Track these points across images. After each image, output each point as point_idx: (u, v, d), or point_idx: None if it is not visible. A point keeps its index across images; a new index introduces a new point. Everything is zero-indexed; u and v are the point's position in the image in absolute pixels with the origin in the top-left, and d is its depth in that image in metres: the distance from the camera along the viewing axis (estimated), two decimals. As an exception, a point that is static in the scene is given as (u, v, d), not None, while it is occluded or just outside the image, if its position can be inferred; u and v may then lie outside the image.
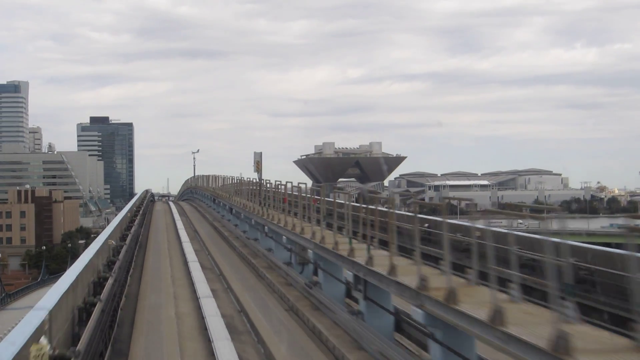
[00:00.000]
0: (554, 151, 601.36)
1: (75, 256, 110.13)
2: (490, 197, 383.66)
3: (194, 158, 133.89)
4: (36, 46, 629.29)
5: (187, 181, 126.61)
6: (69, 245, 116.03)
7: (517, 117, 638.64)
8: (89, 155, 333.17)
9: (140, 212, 57.39)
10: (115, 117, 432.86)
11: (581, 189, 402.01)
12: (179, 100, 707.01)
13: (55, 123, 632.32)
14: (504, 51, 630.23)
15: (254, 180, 46.83)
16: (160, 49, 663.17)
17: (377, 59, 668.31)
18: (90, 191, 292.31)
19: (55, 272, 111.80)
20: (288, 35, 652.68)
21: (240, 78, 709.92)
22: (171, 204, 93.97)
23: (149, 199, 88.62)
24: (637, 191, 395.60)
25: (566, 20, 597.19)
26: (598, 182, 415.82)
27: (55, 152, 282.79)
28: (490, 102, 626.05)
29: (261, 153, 48.73)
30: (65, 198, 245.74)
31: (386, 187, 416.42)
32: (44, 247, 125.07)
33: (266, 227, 36.01)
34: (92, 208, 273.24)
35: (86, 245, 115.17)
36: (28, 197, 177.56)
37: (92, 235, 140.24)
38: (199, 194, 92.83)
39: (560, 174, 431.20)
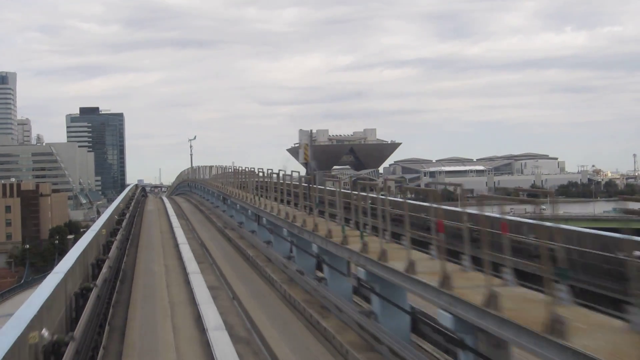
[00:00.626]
0: (547, 135, 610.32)
1: (63, 252, 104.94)
2: (486, 182, 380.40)
3: (190, 146, 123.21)
4: (24, 38, 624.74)
5: (182, 173, 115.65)
6: (56, 241, 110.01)
7: (509, 102, 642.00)
8: (79, 146, 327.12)
9: (126, 217, 44.33)
10: (106, 107, 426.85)
11: (578, 172, 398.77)
12: (170, 90, 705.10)
13: (45, 115, 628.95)
14: (494, 36, 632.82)
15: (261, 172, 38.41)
16: (149, 38, 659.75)
17: (368, 45, 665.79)
18: (80, 183, 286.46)
19: (43, 270, 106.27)
20: (278, 23, 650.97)
21: (230, 67, 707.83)
22: (166, 200, 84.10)
23: (140, 195, 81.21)
24: (630, 174, 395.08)
25: (556, 4, 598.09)
26: (593, 166, 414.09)
27: (44, 144, 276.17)
28: (481, 87, 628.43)
29: (310, 132, 37.96)
30: (55, 191, 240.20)
31: (381, 174, 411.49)
32: (28, 246, 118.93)
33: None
34: (83, 200, 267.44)
35: (75, 240, 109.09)
36: (14, 190, 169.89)
37: (82, 230, 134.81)
38: (198, 188, 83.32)
39: (556, 158, 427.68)
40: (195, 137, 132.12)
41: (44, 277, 18.47)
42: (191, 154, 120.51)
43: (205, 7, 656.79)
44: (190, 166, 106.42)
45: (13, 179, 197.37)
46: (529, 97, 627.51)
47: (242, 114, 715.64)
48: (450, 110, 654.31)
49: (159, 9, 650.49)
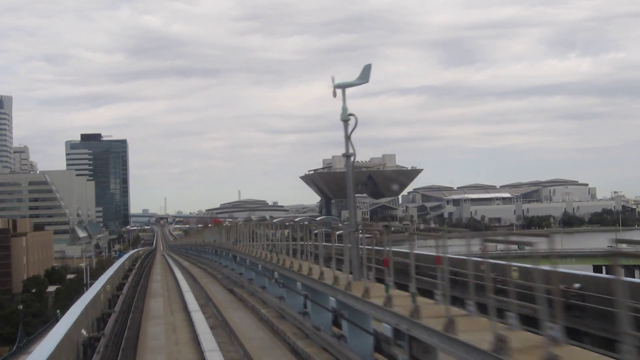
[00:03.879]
0: (554, 162, 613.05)
1: (39, 313, 78.87)
2: (514, 210, 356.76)
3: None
4: (29, 67, 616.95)
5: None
6: (20, 307, 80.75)
7: (513, 129, 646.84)
8: (80, 175, 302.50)
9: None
10: (109, 135, 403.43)
11: (609, 199, 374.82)
12: (174, 119, 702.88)
13: (47, 144, 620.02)
14: (498, 63, 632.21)
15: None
16: (154, 68, 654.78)
17: (372, 73, 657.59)
18: (79, 215, 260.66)
19: (8, 341, 79.23)
20: (282, 52, 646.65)
21: (235, 95, 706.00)
22: (177, 273, 56.76)
23: (138, 270, 61.29)
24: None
25: (560, 30, 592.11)
26: (615, 192, 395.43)
27: (38, 172, 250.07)
28: (485, 114, 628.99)
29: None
30: (48, 224, 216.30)
31: (400, 204, 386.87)
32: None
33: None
34: (81, 234, 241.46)
35: (58, 295, 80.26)
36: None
37: (69, 277, 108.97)
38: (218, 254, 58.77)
39: (586, 184, 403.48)
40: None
41: None
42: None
43: (209, 35, 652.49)
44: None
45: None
46: (534, 124, 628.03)
47: (247, 143, 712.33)
48: (454, 137, 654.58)
49: (163, 38, 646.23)
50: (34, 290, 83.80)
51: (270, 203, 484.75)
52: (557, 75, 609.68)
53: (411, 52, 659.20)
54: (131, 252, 72.17)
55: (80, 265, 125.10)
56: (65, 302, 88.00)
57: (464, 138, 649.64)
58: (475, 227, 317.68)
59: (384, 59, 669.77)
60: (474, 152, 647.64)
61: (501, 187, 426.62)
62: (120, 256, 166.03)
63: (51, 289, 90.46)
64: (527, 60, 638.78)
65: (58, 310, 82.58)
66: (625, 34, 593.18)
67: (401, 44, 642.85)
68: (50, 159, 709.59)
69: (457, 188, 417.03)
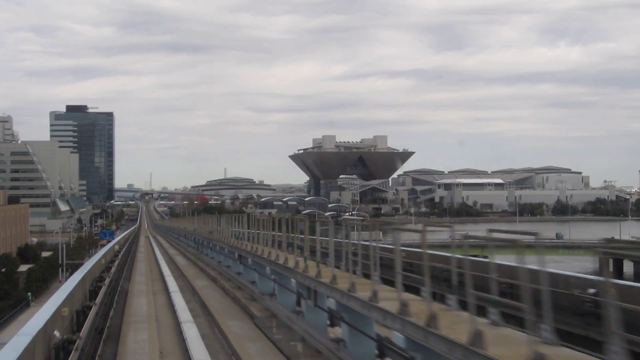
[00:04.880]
0: (542, 149, 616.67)
1: (6, 295, 71.12)
2: (507, 197, 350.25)
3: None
4: (16, 38, 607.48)
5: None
6: None
7: (501, 115, 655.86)
8: (63, 146, 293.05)
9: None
10: (97, 110, 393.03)
11: (602, 188, 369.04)
12: (162, 95, 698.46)
13: (33, 116, 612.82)
14: (488, 49, 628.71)
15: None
16: (143, 42, 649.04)
17: (362, 55, 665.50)
18: (61, 187, 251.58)
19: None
20: (272, 31, 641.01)
21: (223, 73, 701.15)
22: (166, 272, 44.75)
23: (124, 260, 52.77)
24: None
25: (550, 18, 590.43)
26: (605, 181, 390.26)
27: (19, 142, 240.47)
28: (474, 99, 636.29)
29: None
30: (29, 196, 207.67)
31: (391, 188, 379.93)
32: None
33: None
34: (63, 207, 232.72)
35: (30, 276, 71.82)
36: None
37: (44, 254, 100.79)
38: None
39: (580, 172, 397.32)
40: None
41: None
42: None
43: (199, 11, 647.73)
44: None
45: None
46: (522, 111, 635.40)
47: (234, 120, 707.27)
48: (443, 121, 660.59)
49: (153, 12, 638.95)
50: (3, 270, 75.60)
51: (256, 182, 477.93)
52: (547, 63, 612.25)
53: (401, 35, 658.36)
54: (117, 239, 65.36)
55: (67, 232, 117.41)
56: (37, 283, 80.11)
57: (452, 123, 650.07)
58: (467, 212, 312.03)
59: (373, 41, 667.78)
60: (462, 137, 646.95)
61: (493, 172, 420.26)
62: (103, 234, 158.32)
63: (23, 268, 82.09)
64: (517, 47, 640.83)
65: (29, 293, 74.84)
66: (616, 24, 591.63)
67: (391, 26, 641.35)
68: (34, 130, 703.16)
69: (448, 172, 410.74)
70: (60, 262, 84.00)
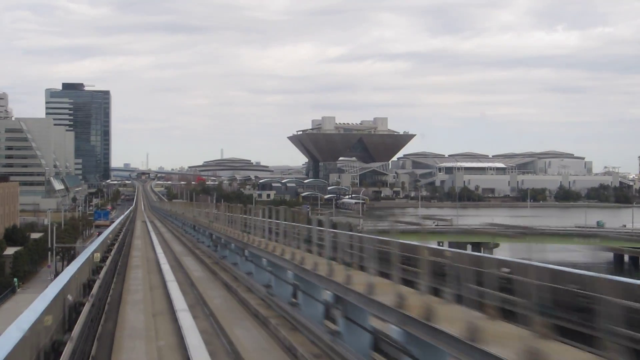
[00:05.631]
0: (538, 134, 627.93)
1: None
2: (509, 181, 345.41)
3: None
4: (13, 16, 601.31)
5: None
6: None
7: (498, 99, 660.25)
8: (59, 124, 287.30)
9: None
10: (93, 88, 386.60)
11: (604, 174, 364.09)
12: (159, 75, 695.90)
13: (29, 95, 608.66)
14: (485, 32, 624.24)
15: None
16: (140, 22, 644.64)
17: (359, 37, 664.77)
18: (56, 166, 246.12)
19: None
20: (269, 11, 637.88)
21: (220, 54, 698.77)
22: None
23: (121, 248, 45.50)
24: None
25: (548, 2, 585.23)
26: (605, 167, 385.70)
27: (13, 118, 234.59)
28: (471, 83, 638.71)
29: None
30: (22, 174, 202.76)
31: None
32: None
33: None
34: (57, 186, 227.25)
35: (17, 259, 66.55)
36: None
37: (33, 236, 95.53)
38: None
39: (583, 158, 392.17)
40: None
41: None
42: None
43: None
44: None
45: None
46: (519, 95, 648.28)
47: (231, 101, 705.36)
48: (440, 105, 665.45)
49: None
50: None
51: (254, 163, 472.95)
52: (544, 48, 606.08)
53: (399, 18, 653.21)
54: (111, 227, 52.03)
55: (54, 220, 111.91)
56: (25, 267, 74.75)
57: (449, 106, 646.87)
58: (468, 197, 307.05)
59: (371, 24, 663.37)
60: (459, 120, 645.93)
61: (494, 156, 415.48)
62: (97, 215, 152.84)
63: (10, 251, 76.53)
64: (515, 31, 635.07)
65: (15, 279, 69.65)
66: (613, 8, 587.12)
67: (389, 8, 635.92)
68: (31, 109, 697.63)
69: (449, 155, 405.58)
70: (49, 244, 78.47)
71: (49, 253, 78.67)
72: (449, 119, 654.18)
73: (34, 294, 68.88)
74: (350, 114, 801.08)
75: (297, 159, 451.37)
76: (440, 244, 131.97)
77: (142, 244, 56.28)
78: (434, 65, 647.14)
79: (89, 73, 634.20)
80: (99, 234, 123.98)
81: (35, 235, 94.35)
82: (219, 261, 37.27)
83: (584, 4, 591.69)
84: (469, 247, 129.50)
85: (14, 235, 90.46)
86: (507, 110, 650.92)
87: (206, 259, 40.91)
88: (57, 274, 78.47)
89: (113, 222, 77.27)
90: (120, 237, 51.82)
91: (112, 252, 35.45)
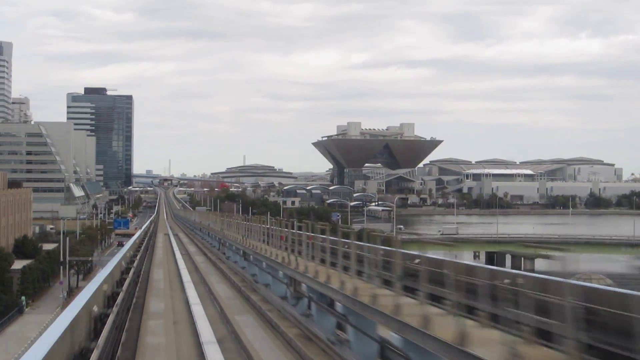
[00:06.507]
0: (562, 141, 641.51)
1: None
2: (537, 188, 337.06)
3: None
4: (38, 22, 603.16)
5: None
6: None
7: (521, 106, 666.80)
8: (79, 129, 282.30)
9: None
10: (114, 90, 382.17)
11: (634, 181, 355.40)
12: (182, 81, 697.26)
13: (52, 100, 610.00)
14: (508, 40, 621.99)
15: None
16: (163, 28, 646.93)
17: (382, 44, 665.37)
18: (76, 172, 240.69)
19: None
20: (292, 18, 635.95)
21: (242, 60, 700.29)
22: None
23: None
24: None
25: (571, 9, 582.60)
26: (632, 174, 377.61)
27: (33, 123, 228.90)
28: (493, 90, 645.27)
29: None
30: (41, 180, 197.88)
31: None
32: None
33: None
34: (77, 193, 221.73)
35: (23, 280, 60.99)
36: None
37: (46, 248, 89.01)
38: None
39: (613, 164, 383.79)
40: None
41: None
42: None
43: None
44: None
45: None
46: (542, 102, 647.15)
47: (253, 108, 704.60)
48: (462, 112, 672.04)
49: None
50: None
51: (276, 169, 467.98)
52: (567, 55, 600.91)
53: (421, 25, 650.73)
54: (124, 250, 36.70)
55: (66, 228, 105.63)
56: (33, 284, 67.99)
57: (471, 113, 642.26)
58: (497, 204, 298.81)
59: (393, 30, 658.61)
60: (482, 127, 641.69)
61: (522, 163, 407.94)
62: (117, 224, 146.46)
63: (19, 264, 69.62)
64: (538, 38, 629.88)
65: (23, 297, 63.10)
66: (637, 16, 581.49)
67: (411, 15, 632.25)
68: (53, 115, 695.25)
69: (476, 162, 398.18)
70: (61, 259, 71.65)
71: (61, 267, 71.76)
72: (473, 125, 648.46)
73: (43, 314, 62.43)
74: (373, 121, 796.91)
75: (321, 166, 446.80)
76: (476, 254, 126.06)
77: (165, 278, 40.79)
78: (457, 72, 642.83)
79: (113, 79, 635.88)
80: (119, 243, 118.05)
81: (48, 247, 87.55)
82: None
83: (607, 12, 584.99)
84: (509, 257, 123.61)
85: (24, 247, 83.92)
86: (530, 117, 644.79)
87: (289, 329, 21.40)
88: (70, 291, 72.50)
89: (137, 230, 68.80)
90: (136, 264, 37.59)
91: (118, 301, 21.53)
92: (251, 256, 34.77)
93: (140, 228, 68.36)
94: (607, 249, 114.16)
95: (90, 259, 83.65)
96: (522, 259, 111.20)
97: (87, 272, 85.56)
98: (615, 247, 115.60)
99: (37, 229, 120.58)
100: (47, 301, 68.03)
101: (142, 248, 51.26)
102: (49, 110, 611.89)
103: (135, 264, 36.84)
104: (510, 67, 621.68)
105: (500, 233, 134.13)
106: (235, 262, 41.39)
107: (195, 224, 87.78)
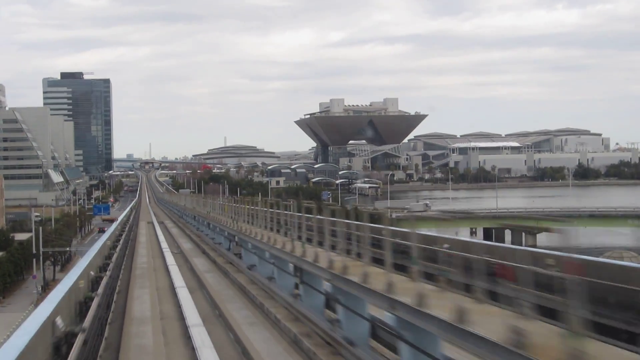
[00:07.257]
0: (543, 113, 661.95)
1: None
2: (525, 160, 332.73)
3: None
4: (12, 10, 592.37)
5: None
6: None
7: (500, 79, 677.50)
8: (57, 115, 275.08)
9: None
10: (91, 73, 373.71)
11: (626, 150, 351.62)
12: (160, 65, 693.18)
13: (29, 88, 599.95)
14: (485, 13, 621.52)
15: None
16: (139, 12, 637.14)
17: (359, 21, 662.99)
18: (54, 158, 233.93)
19: None
20: None
21: (221, 42, 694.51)
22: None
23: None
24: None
25: None
26: (617, 144, 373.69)
27: (7, 109, 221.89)
28: (472, 64, 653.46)
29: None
30: (18, 167, 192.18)
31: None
32: None
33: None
34: (56, 179, 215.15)
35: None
36: None
37: (18, 238, 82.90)
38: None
39: (600, 134, 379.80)
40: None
41: None
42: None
43: None
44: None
45: None
46: (521, 75, 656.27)
47: (233, 89, 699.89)
48: (442, 87, 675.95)
49: None
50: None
51: (259, 149, 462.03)
52: (545, 26, 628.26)
53: (397, 0, 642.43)
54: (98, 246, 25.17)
55: (44, 215, 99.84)
56: (4, 279, 61.93)
57: (452, 87, 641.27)
58: (485, 178, 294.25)
59: (370, 7, 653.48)
60: (463, 101, 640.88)
61: (507, 135, 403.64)
62: (96, 209, 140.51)
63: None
64: (515, 10, 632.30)
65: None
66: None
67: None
68: (29, 102, 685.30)
69: (461, 136, 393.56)
70: (33, 251, 65.48)
71: (33, 259, 65.52)
72: (454, 99, 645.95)
73: (14, 312, 56.79)
74: (355, 99, 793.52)
75: (304, 145, 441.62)
76: (473, 230, 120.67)
77: (151, 300, 25.68)
78: (436, 47, 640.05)
79: (90, 65, 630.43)
80: (100, 230, 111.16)
81: (22, 237, 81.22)
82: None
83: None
84: (508, 232, 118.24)
85: (-4, 241, 77.55)
86: (510, 89, 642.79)
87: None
88: (46, 285, 66.79)
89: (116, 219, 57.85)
90: (108, 274, 24.13)
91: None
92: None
93: (117, 219, 56.15)
94: (614, 222, 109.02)
95: (67, 248, 77.67)
96: (523, 234, 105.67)
97: (65, 262, 79.76)
98: (621, 220, 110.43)
99: (11, 218, 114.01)
100: (21, 296, 62.27)
101: (120, 245, 38.12)
102: (26, 98, 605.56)
103: (108, 274, 24.08)
104: (488, 40, 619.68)
105: (500, 208, 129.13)
106: (272, 280, 24.75)
107: (186, 210, 74.22)
